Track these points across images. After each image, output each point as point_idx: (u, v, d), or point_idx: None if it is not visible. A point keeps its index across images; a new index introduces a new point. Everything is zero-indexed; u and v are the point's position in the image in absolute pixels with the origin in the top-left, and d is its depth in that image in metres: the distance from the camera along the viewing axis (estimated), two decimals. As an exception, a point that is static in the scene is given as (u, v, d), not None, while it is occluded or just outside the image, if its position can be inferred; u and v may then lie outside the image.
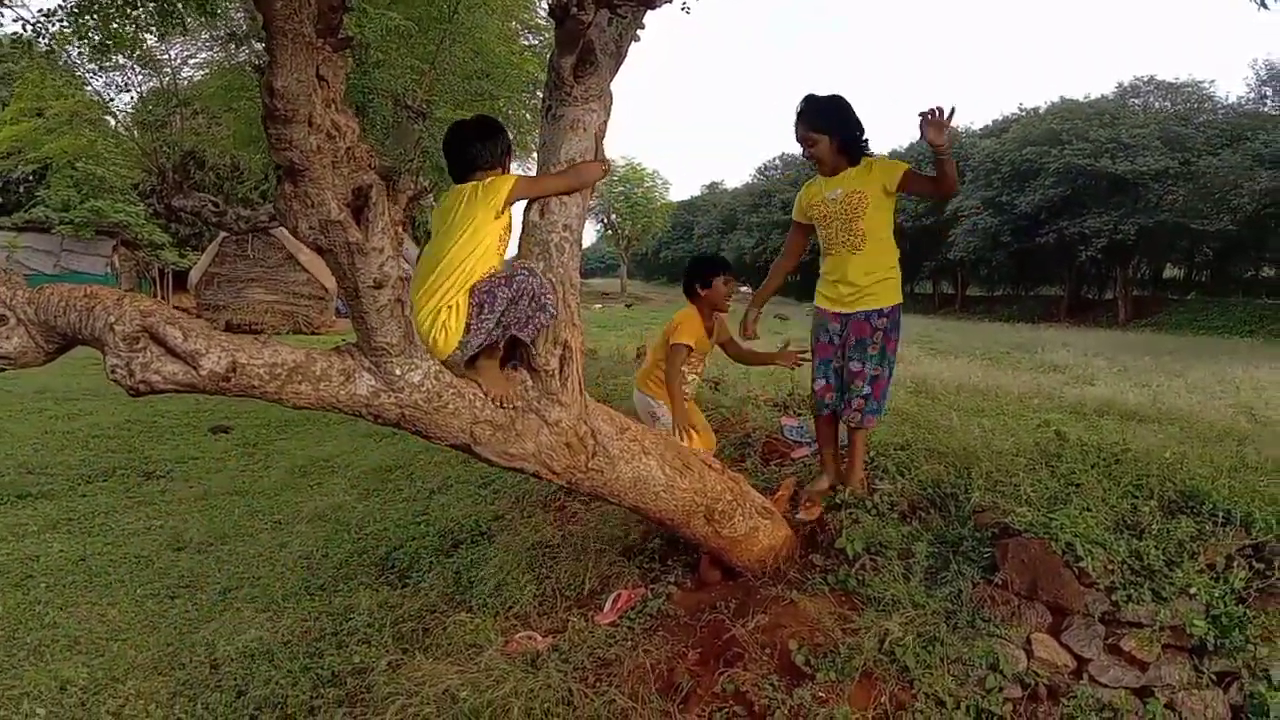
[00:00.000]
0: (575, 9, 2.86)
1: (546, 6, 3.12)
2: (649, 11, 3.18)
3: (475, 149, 3.10)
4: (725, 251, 58.79)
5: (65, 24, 7.21)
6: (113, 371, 2.32)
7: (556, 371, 2.99)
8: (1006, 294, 49.46)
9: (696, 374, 4.51)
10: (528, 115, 12.19)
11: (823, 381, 4.13)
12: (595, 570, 4.08)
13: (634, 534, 4.38)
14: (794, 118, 3.93)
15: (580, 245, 3.10)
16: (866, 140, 3.97)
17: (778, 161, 69.25)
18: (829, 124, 3.88)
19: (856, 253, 3.90)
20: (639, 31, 3.22)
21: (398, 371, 2.65)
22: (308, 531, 6.18)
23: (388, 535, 5.82)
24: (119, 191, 26.60)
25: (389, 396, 2.67)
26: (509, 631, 3.74)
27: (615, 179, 57.48)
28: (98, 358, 2.34)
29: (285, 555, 5.69)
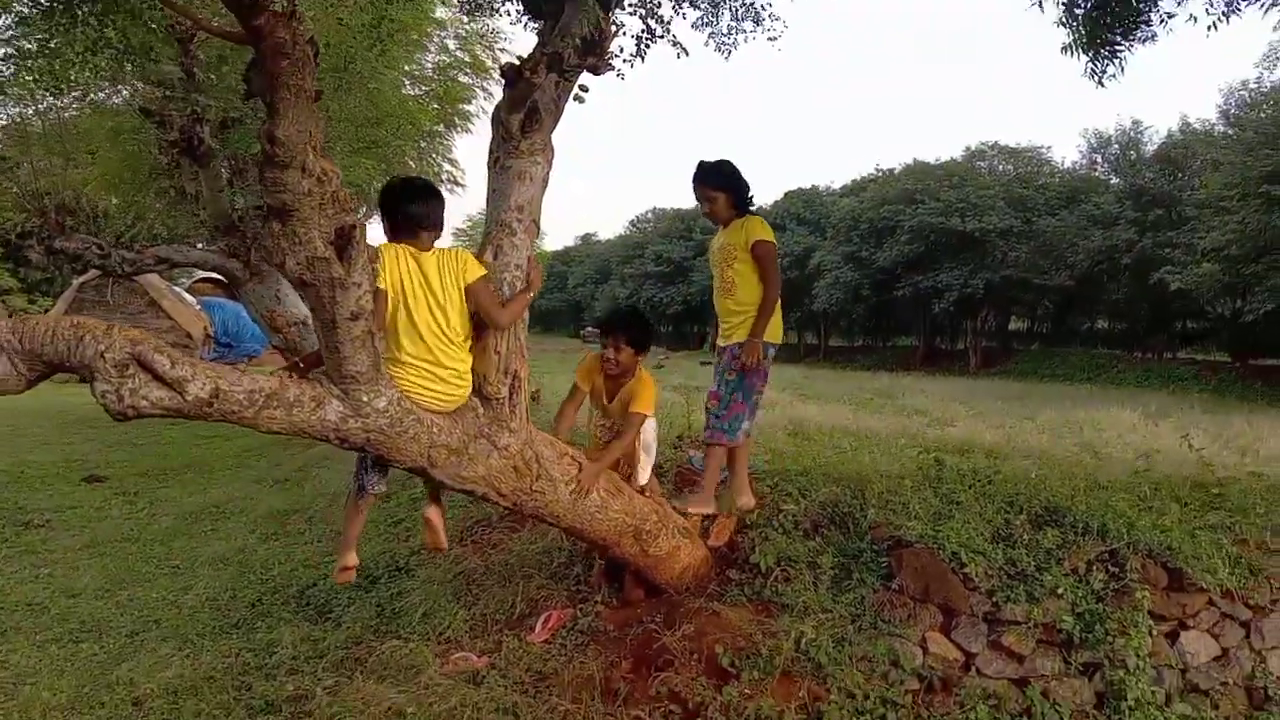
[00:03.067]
0: (529, 73, 3.18)
1: (498, 69, 3.42)
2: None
3: (422, 208, 3.13)
4: (599, 301, 59.30)
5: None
6: (103, 397, 2.45)
7: (506, 399, 3.24)
8: (866, 344, 51.60)
9: (604, 426, 4.24)
10: (410, 163, 12.35)
11: None
12: (523, 595, 4.28)
13: (558, 559, 4.60)
14: (691, 180, 4.31)
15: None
16: (751, 197, 4.35)
17: (649, 215, 70.46)
18: (723, 183, 4.26)
19: (727, 296, 4.26)
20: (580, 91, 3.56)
21: (365, 398, 2.86)
22: (210, 575, 6.10)
23: (298, 575, 5.81)
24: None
25: (356, 421, 2.87)
26: (444, 654, 3.89)
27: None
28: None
29: (190, 598, 5.61)
